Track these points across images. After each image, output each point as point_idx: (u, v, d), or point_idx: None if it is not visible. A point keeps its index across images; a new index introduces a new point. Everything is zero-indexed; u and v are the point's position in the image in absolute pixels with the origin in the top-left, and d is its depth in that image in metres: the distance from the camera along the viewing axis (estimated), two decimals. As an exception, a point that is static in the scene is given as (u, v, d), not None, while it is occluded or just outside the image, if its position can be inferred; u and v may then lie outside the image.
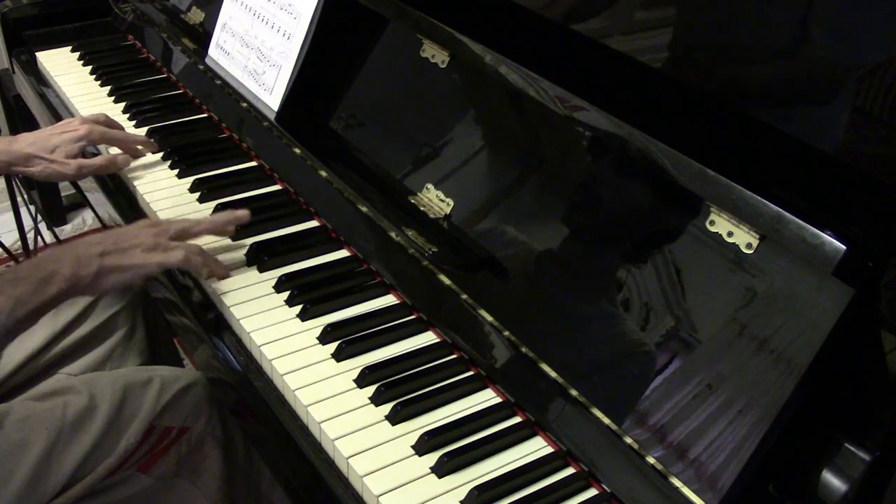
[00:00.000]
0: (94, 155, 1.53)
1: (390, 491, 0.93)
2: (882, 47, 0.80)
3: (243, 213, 1.26)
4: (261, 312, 1.16)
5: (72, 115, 1.65)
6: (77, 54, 1.86)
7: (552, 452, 0.98)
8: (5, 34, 1.95)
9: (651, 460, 0.88)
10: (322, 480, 0.98)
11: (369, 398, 1.03)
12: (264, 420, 1.07)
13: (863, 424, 0.82)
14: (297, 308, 1.16)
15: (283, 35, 1.44)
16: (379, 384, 1.04)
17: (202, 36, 1.68)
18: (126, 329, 1.41)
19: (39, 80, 1.84)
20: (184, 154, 1.49)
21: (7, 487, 1.06)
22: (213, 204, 1.36)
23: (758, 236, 0.86)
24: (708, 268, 0.90)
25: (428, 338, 1.13)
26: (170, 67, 1.77)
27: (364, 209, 1.24)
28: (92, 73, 1.78)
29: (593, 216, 1.04)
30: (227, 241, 1.28)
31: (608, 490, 0.93)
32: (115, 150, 1.50)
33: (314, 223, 1.34)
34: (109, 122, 1.49)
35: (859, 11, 0.81)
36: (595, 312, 0.99)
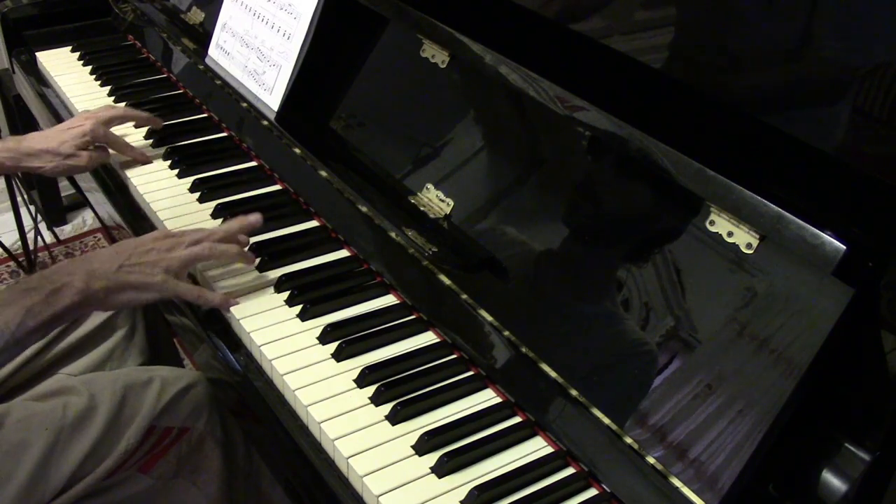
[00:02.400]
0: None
1: (390, 491, 0.93)
2: (882, 47, 0.80)
3: (255, 218, 1.23)
4: (261, 312, 1.16)
5: (72, 114, 1.65)
6: (77, 54, 1.86)
7: (552, 452, 0.98)
8: (5, 34, 1.95)
9: (651, 460, 0.88)
10: (322, 480, 0.98)
11: (369, 398, 1.03)
12: (264, 420, 1.07)
13: (863, 424, 0.82)
14: (297, 308, 1.16)
15: (283, 35, 1.44)
16: (379, 384, 1.04)
17: (202, 36, 1.68)
18: (126, 329, 1.41)
19: (39, 80, 1.84)
20: (184, 154, 1.49)
21: (7, 488, 1.06)
22: (212, 204, 1.36)
23: (758, 236, 0.86)
24: (708, 268, 0.90)
25: (428, 338, 1.13)
26: (170, 67, 1.77)
27: (364, 209, 1.24)
28: (92, 73, 1.78)
29: (593, 216, 1.04)
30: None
31: (608, 490, 0.93)
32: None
33: (314, 223, 1.34)
34: (110, 121, 1.49)
35: (860, 11, 0.81)
36: (595, 312, 0.99)
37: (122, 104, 1.66)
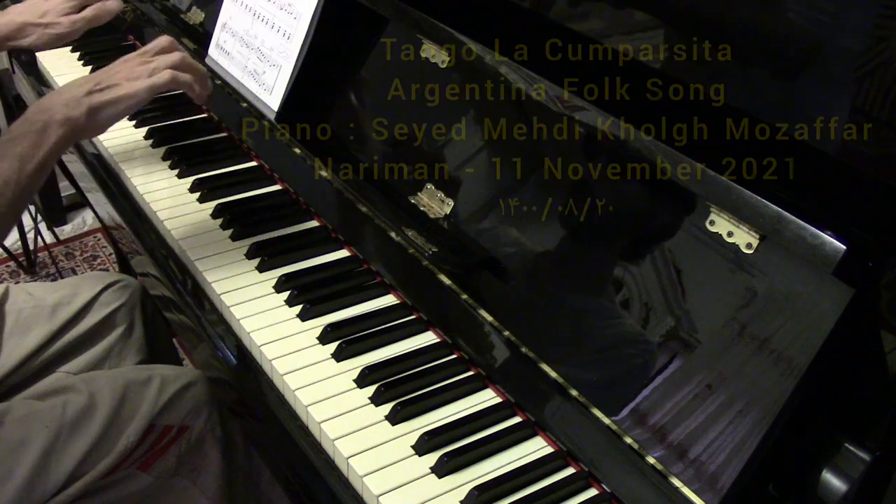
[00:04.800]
0: None
1: (390, 491, 0.93)
2: (882, 45, 0.80)
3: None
4: (261, 312, 1.15)
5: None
6: (77, 54, 1.86)
7: (552, 452, 0.98)
8: (5, 34, 1.95)
9: (651, 460, 0.89)
10: (322, 480, 0.98)
11: (369, 398, 1.03)
12: (264, 419, 1.07)
13: (863, 424, 0.82)
14: (297, 308, 1.16)
15: (283, 35, 1.44)
16: (379, 384, 1.04)
17: (202, 36, 1.68)
18: (124, 327, 1.41)
19: (39, 80, 1.84)
20: (184, 154, 1.49)
21: (7, 485, 1.06)
22: (212, 204, 1.36)
23: (758, 236, 0.86)
24: (708, 268, 0.90)
25: (428, 338, 1.13)
26: (170, 67, 1.76)
27: (364, 209, 1.24)
28: (92, 72, 1.78)
29: (593, 217, 1.04)
30: (228, 241, 1.28)
31: (608, 490, 0.93)
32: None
33: (314, 223, 1.34)
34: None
35: (860, 9, 0.81)
36: (595, 312, 0.99)
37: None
